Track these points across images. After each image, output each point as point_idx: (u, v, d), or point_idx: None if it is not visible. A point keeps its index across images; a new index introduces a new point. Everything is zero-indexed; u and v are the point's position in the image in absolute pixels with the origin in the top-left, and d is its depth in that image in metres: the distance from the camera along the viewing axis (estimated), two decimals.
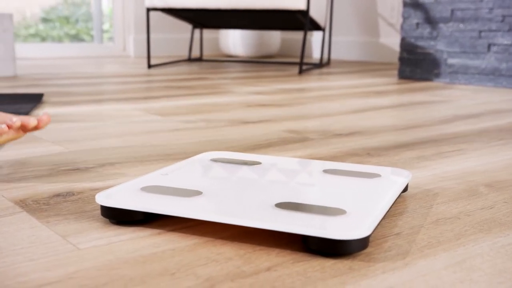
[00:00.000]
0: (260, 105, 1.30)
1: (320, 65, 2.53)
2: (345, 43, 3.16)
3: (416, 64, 2.02)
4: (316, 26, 2.44)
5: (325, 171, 0.60)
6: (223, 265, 0.41)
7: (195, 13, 2.24)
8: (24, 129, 0.62)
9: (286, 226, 0.43)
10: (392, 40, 2.93)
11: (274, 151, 0.82)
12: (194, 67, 2.44)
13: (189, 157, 0.76)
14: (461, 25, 1.87)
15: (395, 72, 2.34)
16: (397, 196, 0.53)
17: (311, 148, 0.84)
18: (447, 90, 1.71)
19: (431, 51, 1.96)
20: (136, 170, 0.69)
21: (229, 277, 0.39)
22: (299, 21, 2.34)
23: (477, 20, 1.83)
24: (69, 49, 3.08)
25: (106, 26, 3.29)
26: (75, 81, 1.80)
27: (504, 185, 0.65)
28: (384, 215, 0.51)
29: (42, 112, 0.66)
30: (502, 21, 1.77)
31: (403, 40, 2.04)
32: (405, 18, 2.03)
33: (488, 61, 1.82)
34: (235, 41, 3.29)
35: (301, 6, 2.06)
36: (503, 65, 1.78)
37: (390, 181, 0.57)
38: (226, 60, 2.81)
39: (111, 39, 3.29)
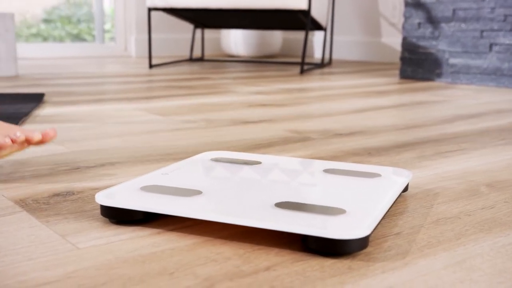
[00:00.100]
0: (261, 105, 1.30)
1: (322, 65, 2.53)
2: (346, 43, 3.16)
3: (417, 64, 2.02)
4: (317, 26, 2.43)
5: (326, 170, 0.60)
6: (222, 265, 0.41)
7: (196, 12, 2.24)
8: (28, 142, 0.62)
9: (286, 225, 0.43)
10: (393, 40, 2.93)
11: (274, 151, 0.82)
12: (196, 67, 2.44)
13: (190, 156, 0.76)
14: (463, 25, 1.87)
15: (397, 72, 2.34)
16: (398, 196, 0.53)
17: (312, 147, 0.84)
18: (449, 90, 1.71)
19: (433, 51, 1.96)
20: (136, 170, 0.69)
21: (228, 276, 0.39)
22: (300, 21, 2.34)
23: (479, 20, 1.83)
24: (70, 49, 3.08)
25: (107, 26, 3.29)
26: (76, 81, 1.80)
27: (505, 185, 0.65)
28: (384, 215, 0.51)
29: (49, 128, 0.66)
30: (504, 20, 1.77)
31: (404, 40, 2.04)
32: (406, 17, 2.02)
33: (490, 61, 1.82)
34: (236, 41, 3.29)
35: (303, 6, 2.06)
36: (505, 65, 1.78)
37: (391, 181, 0.56)
38: (228, 60, 2.81)
39: (112, 39, 3.30)
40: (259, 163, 0.63)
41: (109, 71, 2.20)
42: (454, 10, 1.89)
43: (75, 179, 0.64)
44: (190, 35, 3.44)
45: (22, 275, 0.39)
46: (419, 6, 1.98)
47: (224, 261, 0.42)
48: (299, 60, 3.08)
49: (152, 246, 0.45)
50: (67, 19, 3.13)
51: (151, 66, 2.34)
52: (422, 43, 1.99)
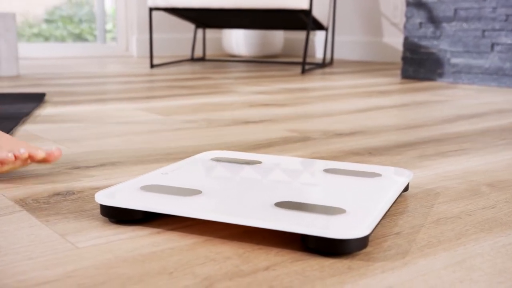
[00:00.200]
0: (263, 104, 1.30)
1: (323, 65, 2.53)
2: (348, 43, 3.16)
3: (419, 64, 2.01)
4: (319, 26, 2.43)
5: (326, 170, 0.60)
6: (222, 264, 0.41)
7: (197, 12, 2.24)
8: (31, 159, 0.63)
9: (285, 225, 0.43)
10: (395, 40, 2.92)
11: (275, 150, 0.82)
12: (197, 67, 2.44)
13: (190, 156, 0.76)
14: (465, 25, 1.87)
15: (398, 72, 2.34)
16: (398, 195, 0.53)
17: (312, 147, 0.84)
18: (450, 89, 1.70)
19: (434, 50, 1.96)
20: (137, 170, 0.69)
21: (227, 276, 0.39)
22: (302, 20, 2.34)
23: (481, 20, 1.82)
24: (72, 49, 3.08)
25: (109, 26, 3.29)
26: (77, 80, 1.80)
27: (506, 184, 0.64)
28: (385, 215, 0.51)
29: (54, 148, 0.66)
30: (506, 20, 1.76)
31: (406, 40, 2.04)
32: (408, 17, 2.02)
33: (491, 60, 1.81)
34: (238, 40, 3.29)
35: (304, 5, 2.06)
36: (507, 65, 1.78)
37: (391, 180, 0.56)
38: (229, 60, 2.81)
39: (114, 39, 3.30)
40: (259, 162, 0.63)
41: (110, 71, 2.20)
42: (455, 10, 1.89)
43: (75, 179, 0.64)
44: (191, 35, 3.44)
45: (22, 274, 0.39)
46: (420, 5, 1.98)
47: (223, 260, 0.42)
48: (300, 60, 3.07)
49: (151, 245, 0.45)
50: (69, 19, 3.13)
51: (152, 66, 2.34)
52: (423, 43, 1.99)
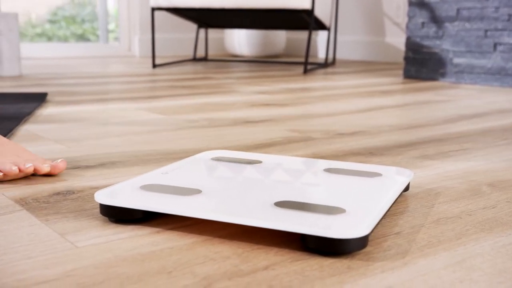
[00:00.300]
0: (264, 104, 1.30)
1: (325, 64, 2.53)
2: (350, 43, 3.16)
3: (421, 64, 2.01)
4: (321, 26, 2.43)
5: (326, 170, 0.60)
6: (221, 264, 0.41)
7: (199, 12, 2.24)
8: (36, 172, 0.63)
9: (285, 224, 0.43)
10: (397, 40, 2.92)
11: (276, 150, 0.81)
12: (199, 66, 2.45)
13: (190, 156, 0.76)
14: (467, 24, 1.86)
15: (401, 71, 2.33)
16: (398, 195, 0.53)
17: (313, 147, 0.84)
18: (453, 89, 1.70)
19: (437, 50, 1.95)
20: (137, 169, 0.69)
21: (227, 275, 0.39)
22: (304, 20, 2.34)
23: (483, 19, 1.82)
24: (74, 49, 3.09)
25: (111, 26, 3.29)
26: (80, 80, 1.80)
27: (507, 184, 0.64)
28: (385, 214, 0.50)
29: (60, 160, 0.66)
30: (508, 20, 1.76)
31: (408, 40, 2.03)
32: (410, 17, 2.02)
33: (494, 60, 1.81)
34: (240, 40, 3.29)
35: (306, 5, 2.05)
36: (509, 65, 1.77)
37: (391, 180, 0.56)
38: (231, 60, 2.81)
39: (116, 39, 3.30)
40: (260, 162, 0.63)
41: (113, 71, 2.20)
42: (458, 10, 1.89)
43: (75, 178, 0.64)
44: (193, 35, 3.44)
45: (21, 273, 0.39)
46: (423, 5, 1.98)
47: (222, 260, 0.42)
48: (302, 60, 3.07)
49: (151, 245, 0.45)
50: (72, 19, 3.13)
51: (154, 66, 2.34)
52: (426, 42, 1.98)
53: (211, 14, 2.30)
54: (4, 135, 0.85)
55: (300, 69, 2.39)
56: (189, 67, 2.40)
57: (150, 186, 0.53)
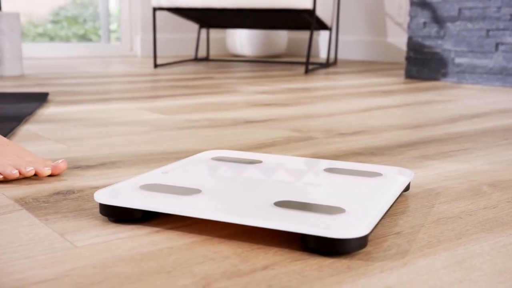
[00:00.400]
0: (265, 104, 1.30)
1: (327, 64, 2.52)
2: (352, 43, 3.15)
3: (423, 64, 2.01)
4: (322, 26, 2.43)
5: (326, 170, 0.60)
6: (220, 264, 0.41)
7: (201, 12, 2.24)
8: (38, 175, 0.64)
9: (284, 224, 0.43)
10: (399, 40, 2.92)
11: (277, 150, 0.81)
12: (201, 66, 2.45)
13: (191, 156, 0.76)
14: (469, 24, 1.86)
15: (402, 71, 2.33)
16: (398, 195, 0.53)
17: (314, 147, 0.84)
18: (454, 89, 1.70)
19: (438, 50, 1.95)
20: (137, 169, 0.69)
21: (226, 275, 0.39)
22: (305, 20, 2.34)
23: (485, 19, 1.82)
24: (76, 49, 3.09)
25: (113, 26, 3.30)
26: (81, 80, 1.80)
27: (508, 184, 0.64)
28: (385, 214, 0.50)
29: (61, 160, 0.66)
30: (510, 20, 1.76)
31: (410, 40, 2.03)
32: (412, 17, 2.02)
33: (496, 60, 1.81)
34: (242, 40, 3.29)
35: (308, 5, 2.05)
36: (511, 65, 1.77)
37: (391, 180, 0.56)
38: (233, 60, 2.81)
39: (118, 39, 3.30)
40: (260, 162, 0.63)
41: (114, 71, 2.20)
42: (460, 9, 1.88)
43: (76, 178, 0.64)
44: (195, 35, 3.44)
45: (20, 273, 0.39)
46: (424, 5, 1.97)
47: (222, 260, 0.42)
48: (304, 60, 3.07)
49: (150, 244, 0.45)
50: (74, 19, 3.14)
51: (156, 66, 2.34)
52: (427, 42, 1.98)
53: (212, 14, 2.30)
54: (5, 135, 0.85)
55: (302, 69, 2.38)
56: (191, 67, 2.40)
57: (150, 185, 0.53)
